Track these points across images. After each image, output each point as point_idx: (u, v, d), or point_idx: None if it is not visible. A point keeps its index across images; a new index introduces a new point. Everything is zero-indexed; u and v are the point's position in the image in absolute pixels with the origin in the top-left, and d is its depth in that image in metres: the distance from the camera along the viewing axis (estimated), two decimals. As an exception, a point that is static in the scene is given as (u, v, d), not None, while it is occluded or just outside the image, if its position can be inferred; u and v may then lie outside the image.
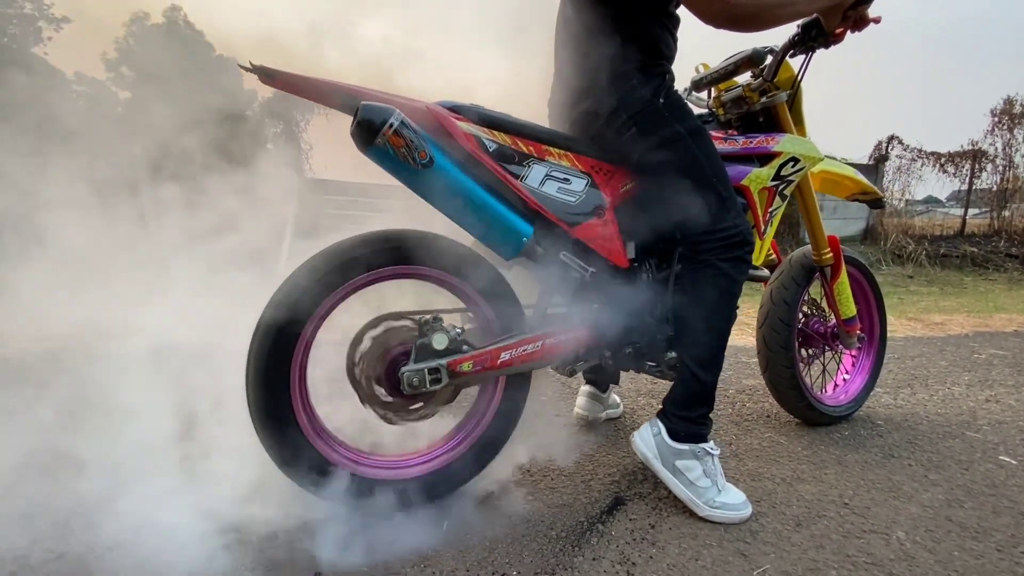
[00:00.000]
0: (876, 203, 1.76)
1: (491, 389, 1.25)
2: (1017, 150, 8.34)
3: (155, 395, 1.31)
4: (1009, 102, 8.31)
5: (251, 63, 1.01)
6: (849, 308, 1.67)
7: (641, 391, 1.91)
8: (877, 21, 1.27)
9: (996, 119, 8.37)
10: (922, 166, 8.31)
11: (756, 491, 1.26)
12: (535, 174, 1.15)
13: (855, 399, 1.76)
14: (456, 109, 1.12)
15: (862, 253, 7.36)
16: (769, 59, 1.44)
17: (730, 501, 1.15)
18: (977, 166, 8.41)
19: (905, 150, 8.17)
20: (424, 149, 1.01)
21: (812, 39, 1.34)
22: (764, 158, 1.40)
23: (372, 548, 1.00)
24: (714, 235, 1.19)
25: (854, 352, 1.83)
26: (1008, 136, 8.34)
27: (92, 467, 1.17)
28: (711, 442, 1.20)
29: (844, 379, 1.83)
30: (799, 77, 1.48)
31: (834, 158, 1.78)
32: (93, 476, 1.15)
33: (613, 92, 1.19)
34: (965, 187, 8.47)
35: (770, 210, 1.41)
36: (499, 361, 1.15)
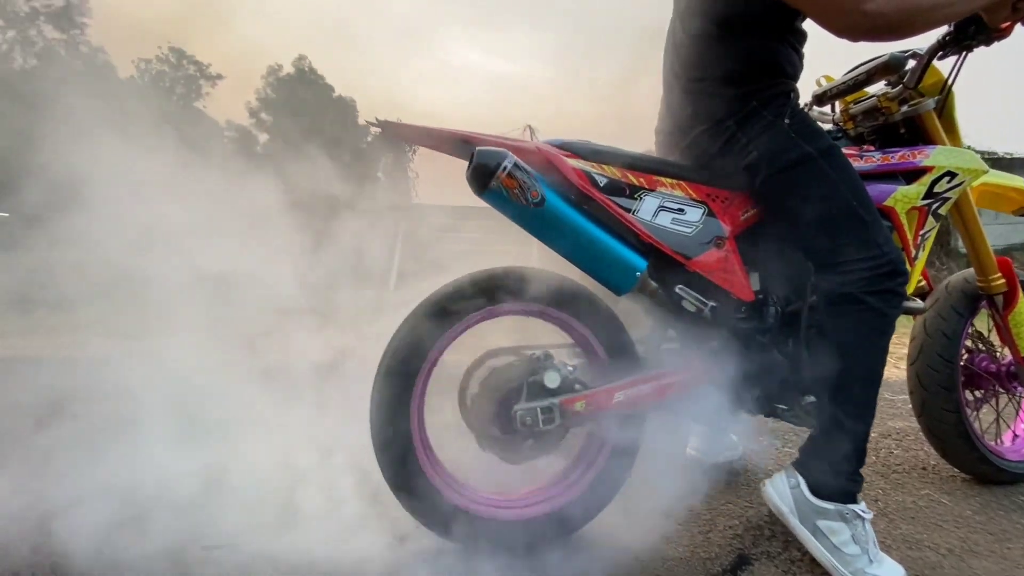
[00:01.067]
0: (1061, 218, 1.48)
1: (603, 428, 1.22)
2: None
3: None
4: None
5: (376, 118, 1.10)
6: (1030, 343, 1.40)
7: (761, 429, 1.75)
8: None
9: None
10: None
11: (915, 563, 1.08)
12: (647, 206, 1.12)
13: (1043, 453, 1.46)
14: (566, 146, 1.13)
15: (1033, 266, 6.21)
16: (911, 64, 1.28)
17: (885, 575, 0.99)
18: None
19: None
20: (536, 189, 1.03)
21: (970, 37, 1.17)
22: (911, 174, 1.24)
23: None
24: (859, 265, 1.06)
25: (1039, 396, 1.53)
26: None
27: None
28: (862, 503, 1.05)
29: (1025, 428, 1.53)
30: (950, 80, 1.30)
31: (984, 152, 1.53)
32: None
33: (730, 116, 1.13)
34: None
35: (921, 233, 1.24)
36: (613, 402, 1.11)
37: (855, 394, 1.06)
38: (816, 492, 1.06)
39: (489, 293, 1.11)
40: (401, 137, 1.13)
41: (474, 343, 1.21)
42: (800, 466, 1.10)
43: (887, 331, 1.07)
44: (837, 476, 1.05)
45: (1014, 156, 6.71)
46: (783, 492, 1.09)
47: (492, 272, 1.12)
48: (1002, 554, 1.11)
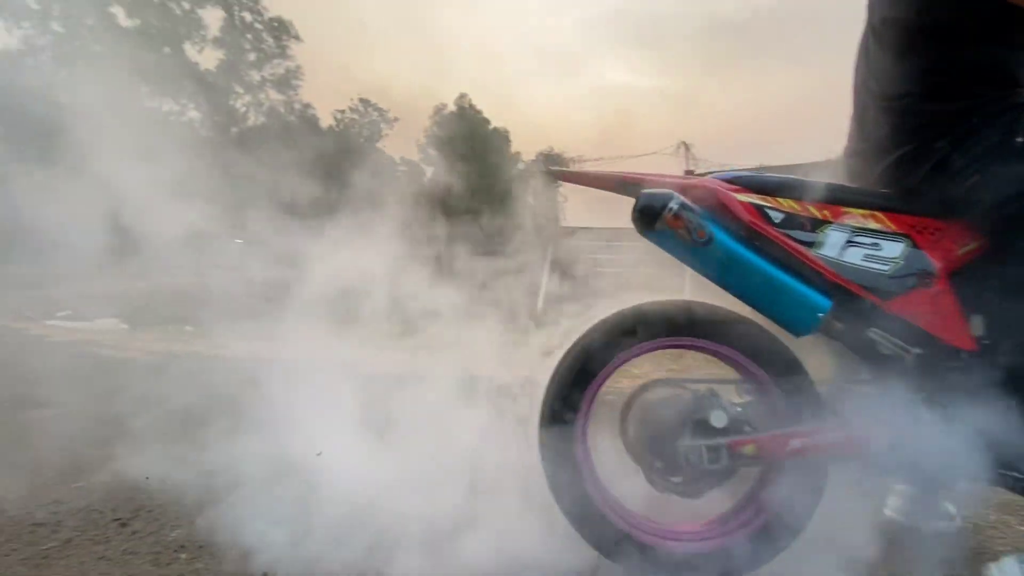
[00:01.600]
0: None
1: (776, 474, 1.14)
2: None
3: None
4: None
5: (548, 168, 1.21)
6: None
7: (994, 502, 1.43)
8: None
9: None
10: None
11: None
12: (833, 241, 1.03)
13: None
14: (737, 180, 1.10)
15: None
16: None
17: None
18: None
19: None
20: (703, 228, 1.02)
21: None
22: None
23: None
24: None
25: None
26: None
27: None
28: None
29: None
30: None
31: None
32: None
33: (943, 135, 0.99)
34: None
35: None
36: (788, 448, 1.04)
37: None
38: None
39: (655, 325, 1.12)
40: (569, 181, 1.21)
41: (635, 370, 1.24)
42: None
43: None
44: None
45: None
46: (1018, 580, 0.90)
47: (661, 303, 1.13)
48: None
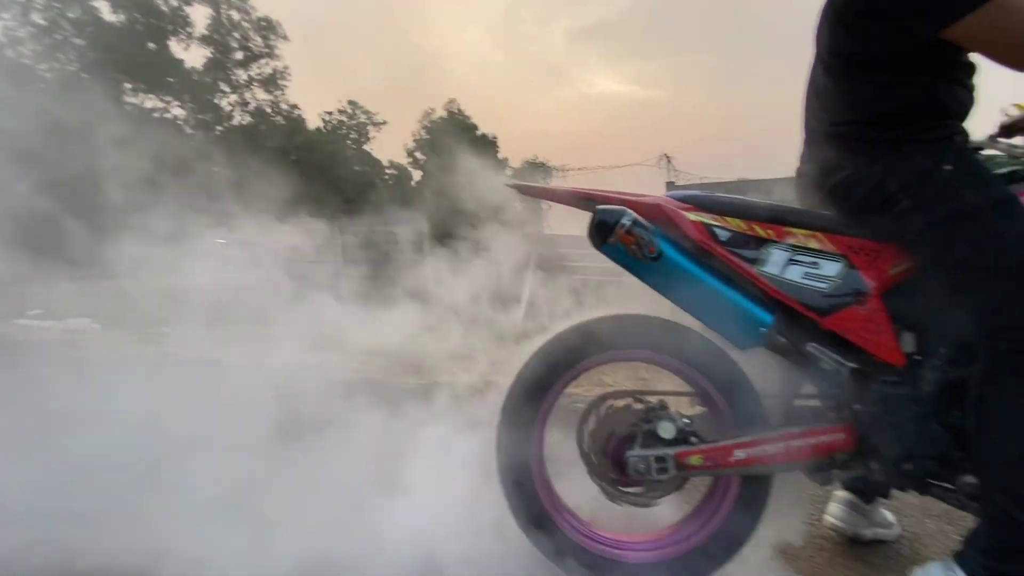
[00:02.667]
0: None
1: (723, 485, 1.18)
2: None
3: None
4: None
5: (510, 183, 1.25)
6: None
7: (930, 512, 1.49)
8: None
9: None
10: None
11: None
12: (775, 259, 1.08)
13: None
14: (689, 199, 1.15)
15: None
16: None
17: None
18: None
19: None
20: (653, 244, 1.07)
21: None
22: None
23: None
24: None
25: None
26: None
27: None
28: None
29: None
30: None
31: None
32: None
33: (877, 161, 1.05)
34: None
35: None
36: (733, 459, 1.08)
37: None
38: (983, 592, 0.90)
39: (607, 339, 1.16)
40: (531, 196, 1.25)
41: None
42: (960, 559, 0.95)
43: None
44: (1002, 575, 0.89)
45: None
46: (935, 585, 0.95)
47: (613, 317, 1.17)
48: None
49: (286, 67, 23.03)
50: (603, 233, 1.08)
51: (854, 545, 1.35)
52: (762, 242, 1.09)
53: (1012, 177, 1.13)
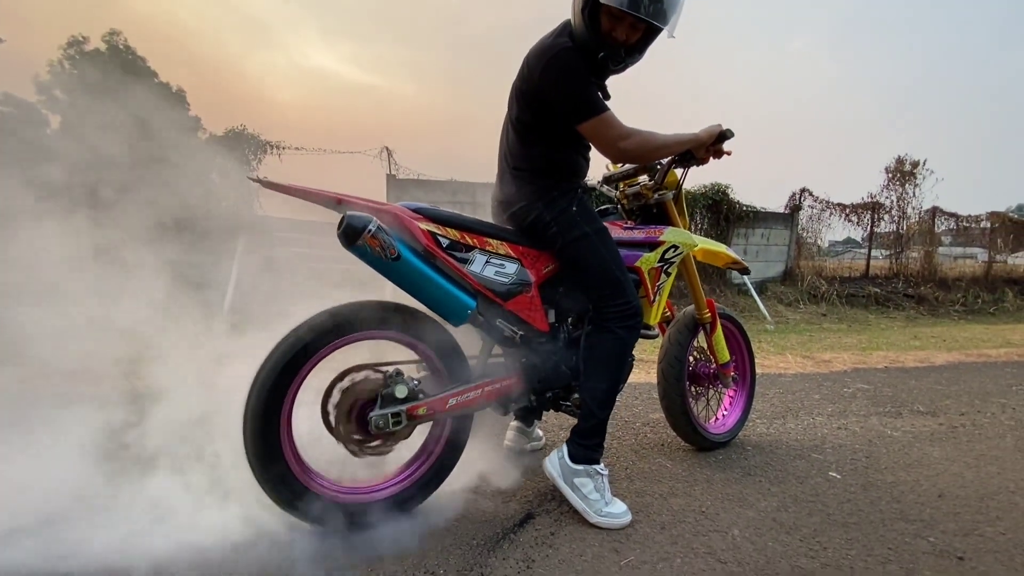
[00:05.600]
0: (744, 271, 2.26)
1: (440, 426, 1.59)
2: (908, 203, 9.62)
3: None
4: (900, 161, 9.59)
5: (257, 177, 1.34)
6: (724, 355, 2.13)
7: (563, 426, 2.29)
8: (729, 154, 1.74)
9: (890, 176, 9.62)
10: (830, 215, 9.41)
11: (637, 504, 1.65)
12: (478, 261, 1.52)
13: (731, 429, 2.22)
14: (420, 210, 1.48)
15: (782, 293, 8.22)
16: (659, 167, 1.89)
17: (614, 511, 1.53)
18: (876, 216, 9.61)
19: (816, 201, 9.23)
20: (394, 247, 1.36)
21: (687, 160, 1.80)
22: (654, 245, 1.84)
23: (328, 556, 1.30)
24: (612, 309, 1.60)
25: (732, 392, 2.29)
26: (900, 191, 9.61)
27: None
28: (602, 464, 1.59)
29: (723, 414, 2.29)
30: (681, 181, 1.95)
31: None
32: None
33: (539, 200, 1.59)
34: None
35: (658, 284, 1.85)
36: (447, 405, 1.49)
37: (601, 391, 1.59)
38: (574, 459, 1.57)
39: (351, 322, 1.40)
40: (283, 193, 1.36)
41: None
42: (567, 443, 1.61)
43: (626, 352, 1.62)
44: (587, 448, 1.57)
45: (776, 212, 8.76)
46: (554, 463, 1.59)
47: (354, 305, 1.41)
48: (689, 493, 1.75)
49: None
50: (352, 236, 1.31)
51: (521, 455, 1.99)
52: (470, 248, 1.51)
53: (604, 213, 1.88)
